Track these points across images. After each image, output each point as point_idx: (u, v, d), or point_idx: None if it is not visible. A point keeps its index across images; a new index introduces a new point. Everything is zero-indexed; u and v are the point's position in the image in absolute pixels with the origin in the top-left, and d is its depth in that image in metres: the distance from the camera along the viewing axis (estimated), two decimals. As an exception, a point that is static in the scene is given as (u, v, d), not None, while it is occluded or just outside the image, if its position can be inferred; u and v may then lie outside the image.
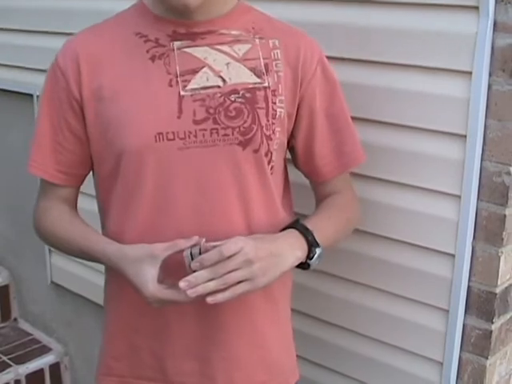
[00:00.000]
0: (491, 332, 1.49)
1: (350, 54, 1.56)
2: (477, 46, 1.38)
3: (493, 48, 1.38)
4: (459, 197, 1.46)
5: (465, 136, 1.43)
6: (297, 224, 1.33)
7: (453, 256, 1.50)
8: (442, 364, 1.56)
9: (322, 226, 1.36)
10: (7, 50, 2.64)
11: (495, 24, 1.36)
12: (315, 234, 1.31)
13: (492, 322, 1.49)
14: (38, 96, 2.51)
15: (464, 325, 1.52)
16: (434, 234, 1.52)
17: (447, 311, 1.53)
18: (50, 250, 2.65)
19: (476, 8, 1.37)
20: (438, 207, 1.51)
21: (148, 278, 1.20)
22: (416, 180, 1.53)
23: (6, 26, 2.61)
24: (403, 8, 1.49)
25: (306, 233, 1.31)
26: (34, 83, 2.49)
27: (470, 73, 1.40)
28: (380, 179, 1.55)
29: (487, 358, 1.51)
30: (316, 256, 1.31)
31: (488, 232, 1.46)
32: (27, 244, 2.81)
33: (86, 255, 1.34)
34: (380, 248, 1.62)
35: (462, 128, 1.43)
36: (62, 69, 1.31)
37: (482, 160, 1.43)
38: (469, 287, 1.50)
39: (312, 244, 1.31)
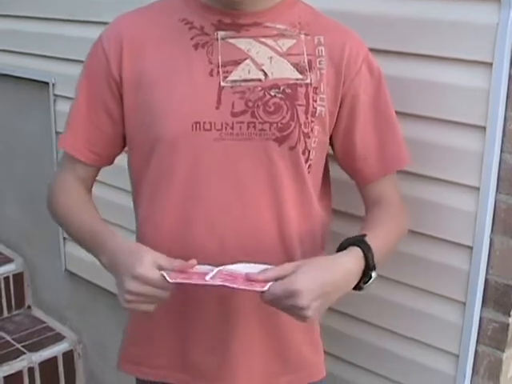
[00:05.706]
0: (508, 325, 1.48)
1: (370, 44, 1.54)
2: (498, 37, 1.37)
3: (514, 39, 1.36)
4: (478, 189, 1.45)
5: (484, 127, 1.42)
6: (362, 243, 1.25)
7: (470, 248, 1.49)
8: (457, 356, 1.55)
9: (381, 244, 1.29)
10: (24, 38, 2.64)
11: (517, 15, 1.35)
12: (375, 256, 1.25)
13: (509, 315, 1.48)
14: (53, 84, 2.52)
15: (481, 317, 1.51)
16: (451, 226, 1.51)
17: (464, 304, 1.52)
18: (64, 237, 2.66)
19: (498, -1, 1.36)
20: (456, 199, 1.50)
21: (146, 259, 1.15)
22: (434, 171, 1.53)
23: (24, 13, 2.62)
24: (423, -2, 1.48)
25: (368, 255, 1.24)
26: (51, 71, 2.51)
27: (491, 64, 1.39)
28: (397, 170, 1.54)
29: (503, 351, 1.50)
30: (371, 281, 1.26)
31: (506, 225, 1.45)
32: (41, 232, 2.83)
33: (88, 243, 1.31)
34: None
35: (482, 119, 1.42)
36: (105, 49, 1.31)
37: (501, 152, 1.42)
38: (486, 280, 1.49)
39: (370, 268, 1.24)
